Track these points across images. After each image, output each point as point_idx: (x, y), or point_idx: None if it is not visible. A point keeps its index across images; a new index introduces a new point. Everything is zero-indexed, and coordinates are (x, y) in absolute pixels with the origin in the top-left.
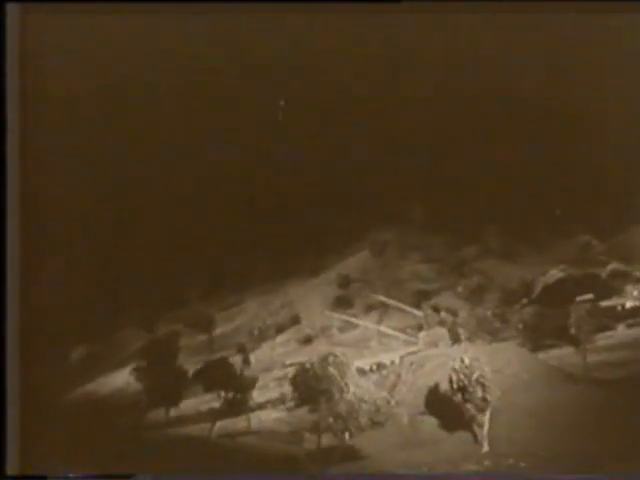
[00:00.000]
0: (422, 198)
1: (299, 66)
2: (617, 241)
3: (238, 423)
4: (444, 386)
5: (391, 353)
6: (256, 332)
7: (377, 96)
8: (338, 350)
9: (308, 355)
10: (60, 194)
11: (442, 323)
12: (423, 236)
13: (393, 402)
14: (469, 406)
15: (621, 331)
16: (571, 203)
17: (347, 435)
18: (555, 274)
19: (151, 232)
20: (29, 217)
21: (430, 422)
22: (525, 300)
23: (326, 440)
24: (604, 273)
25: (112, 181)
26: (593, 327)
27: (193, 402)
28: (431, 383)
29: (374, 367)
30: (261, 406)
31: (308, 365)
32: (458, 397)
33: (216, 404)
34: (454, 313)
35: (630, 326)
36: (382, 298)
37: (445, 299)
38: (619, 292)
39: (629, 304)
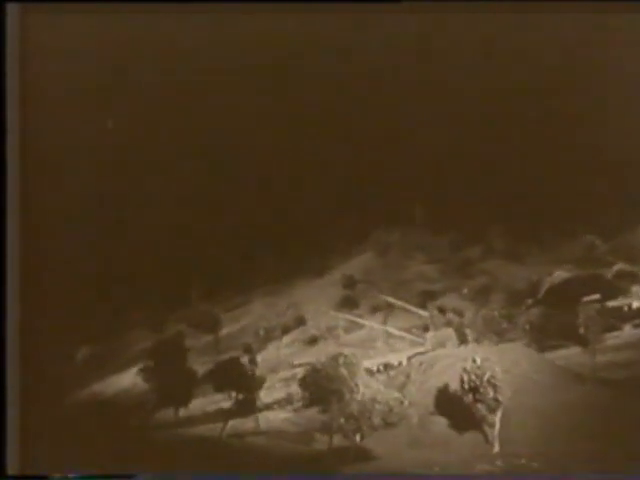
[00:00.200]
0: (426, 198)
1: (299, 66)
2: (623, 241)
3: (246, 423)
4: (454, 386)
5: (398, 353)
6: (262, 333)
7: (377, 96)
8: (345, 351)
9: (315, 355)
10: (61, 194)
11: (449, 324)
12: (427, 236)
13: (406, 402)
14: (480, 406)
15: (627, 331)
16: (576, 203)
17: (360, 435)
18: (561, 274)
19: (154, 232)
20: (30, 217)
21: (440, 422)
22: (531, 301)
23: (337, 440)
24: (610, 273)
25: (114, 181)
26: (602, 327)
27: (201, 402)
28: (440, 383)
29: (381, 367)
30: (272, 406)
31: (319, 366)
32: (469, 397)
33: (226, 404)
34: (460, 314)
35: (636, 326)
36: (388, 298)
37: (450, 300)
38: (625, 292)
39: (635, 304)
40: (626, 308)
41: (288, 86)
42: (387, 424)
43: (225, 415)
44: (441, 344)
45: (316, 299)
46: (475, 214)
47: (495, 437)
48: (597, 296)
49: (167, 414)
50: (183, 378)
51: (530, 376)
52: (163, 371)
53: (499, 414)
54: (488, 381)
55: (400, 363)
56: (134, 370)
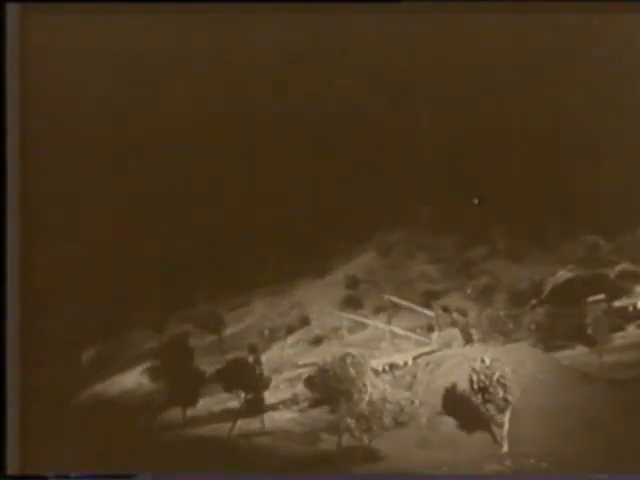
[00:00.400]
0: (428, 199)
1: (299, 66)
2: (625, 241)
3: (252, 423)
4: (462, 386)
5: (404, 353)
6: (266, 333)
7: (378, 96)
8: (352, 351)
9: (321, 356)
10: (63, 194)
11: (454, 324)
12: (430, 237)
13: (417, 402)
14: (489, 406)
15: (631, 331)
16: (579, 203)
17: (370, 435)
18: (564, 274)
19: (156, 232)
20: (31, 218)
21: (448, 422)
22: (534, 301)
23: (345, 441)
24: (613, 273)
25: (116, 180)
26: (609, 327)
27: (206, 403)
28: (448, 383)
29: (387, 368)
30: (282, 406)
31: (328, 366)
32: (478, 397)
33: (234, 404)
34: (465, 314)
35: None
36: (392, 298)
37: (454, 300)
38: (628, 292)
39: None
40: (631, 308)
41: (289, 86)
42: (398, 424)
43: (232, 415)
44: (447, 344)
45: (319, 299)
46: (477, 215)
47: (504, 437)
48: (602, 296)
49: (172, 414)
50: (189, 378)
51: (537, 376)
52: (169, 371)
53: (508, 414)
54: (497, 381)
55: (406, 363)
56: (138, 370)
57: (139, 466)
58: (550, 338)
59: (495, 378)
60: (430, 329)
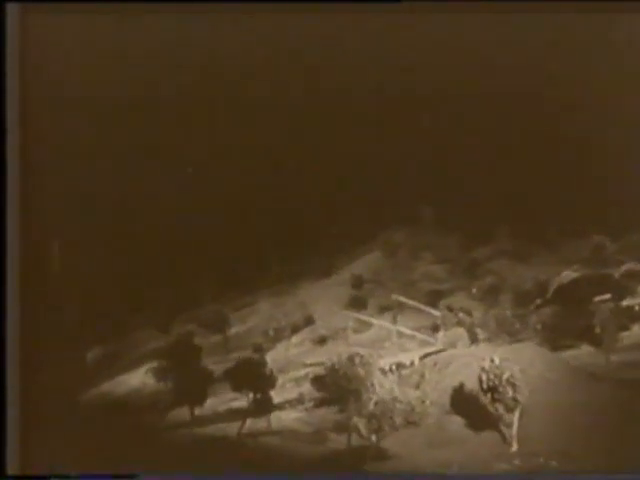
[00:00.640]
0: (432, 199)
1: (299, 66)
2: (630, 241)
3: (259, 423)
4: (470, 386)
5: (411, 353)
6: (271, 332)
7: (378, 96)
8: (354, 350)
9: (328, 355)
10: (64, 194)
11: (460, 323)
12: (434, 237)
13: (428, 402)
14: (498, 406)
15: (636, 331)
16: (583, 202)
17: (380, 435)
18: (569, 274)
19: (161, 232)
20: (31, 218)
21: (457, 422)
22: (539, 301)
23: (354, 440)
24: (618, 273)
25: (117, 180)
26: (617, 327)
27: (212, 402)
28: (456, 383)
29: (394, 367)
30: (288, 405)
31: (337, 365)
32: (487, 397)
33: (240, 404)
34: (471, 313)
35: None
36: (399, 298)
37: (459, 300)
38: (633, 292)
39: None
40: (637, 308)
41: (289, 86)
42: (409, 423)
43: (241, 414)
44: (452, 344)
45: (324, 299)
46: (482, 214)
47: (513, 436)
48: (609, 296)
49: (179, 414)
50: (197, 377)
51: (545, 375)
52: (177, 370)
53: (517, 413)
54: (507, 380)
55: (412, 363)
56: (144, 369)
57: (144, 466)
58: (556, 338)
59: (505, 377)
60: (436, 329)
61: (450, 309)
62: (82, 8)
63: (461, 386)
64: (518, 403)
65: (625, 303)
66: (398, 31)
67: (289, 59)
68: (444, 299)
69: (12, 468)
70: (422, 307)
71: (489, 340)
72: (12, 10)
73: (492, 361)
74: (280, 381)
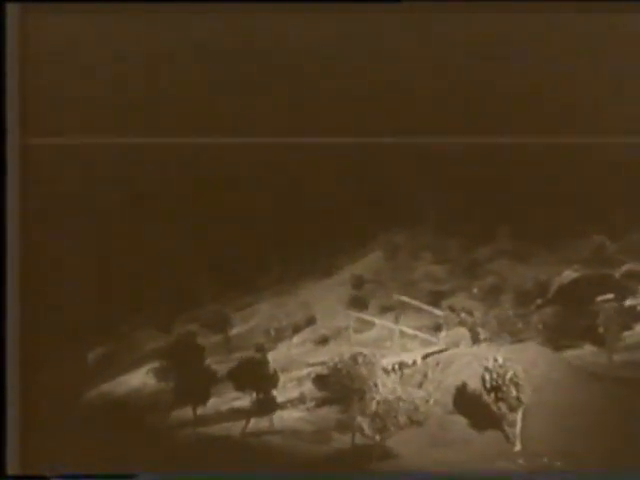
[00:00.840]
0: (434, 199)
1: (299, 67)
2: (631, 241)
3: (261, 423)
4: (472, 385)
5: (413, 352)
6: (273, 332)
7: (378, 96)
8: (357, 350)
9: (327, 355)
10: (64, 194)
11: (462, 323)
12: (435, 237)
13: (431, 401)
14: (502, 405)
15: (638, 330)
16: (583, 202)
17: (384, 434)
18: (570, 274)
19: (162, 232)
20: (31, 218)
21: (460, 421)
22: (540, 301)
23: (357, 439)
24: (618, 273)
25: (118, 180)
26: (620, 326)
27: (214, 402)
28: (459, 382)
29: (397, 367)
30: (290, 405)
31: (340, 365)
32: (491, 396)
33: (242, 403)
34: (472, 313)
35: None
36: (400, 297)
37: (460, 300)
38: (635, 292)
39: None
40: (639, 307)
41: (290, 85)
42: (413, 422)
43: (244, 414)
44: (455, 343)
45: (326, 299)
46: (482, 215)
47: (517, 436)
48: (611, 296)
49: (182, 413)
50: (199, 377)
51: (547, 375)
52: (179, 370)
53: (520, 413)
54: (511, 380)
55: (415, 362)
56: (143, 370)
57: (144, 466)
58: (558, 337)
59: (508, 377)
60: (437, 328)
61: (452, 309)
62: (82, 8)
63: (464, 385)
64: (521, 402)
65: (628, 303)
66: (398, 31)
67: (289, 59)
68: (445, 299)
69: (12, 468)
70: (424, 307)
71: (491, 340)
72: (12, 10)
73: (495, 360)
74: (282, 380)
